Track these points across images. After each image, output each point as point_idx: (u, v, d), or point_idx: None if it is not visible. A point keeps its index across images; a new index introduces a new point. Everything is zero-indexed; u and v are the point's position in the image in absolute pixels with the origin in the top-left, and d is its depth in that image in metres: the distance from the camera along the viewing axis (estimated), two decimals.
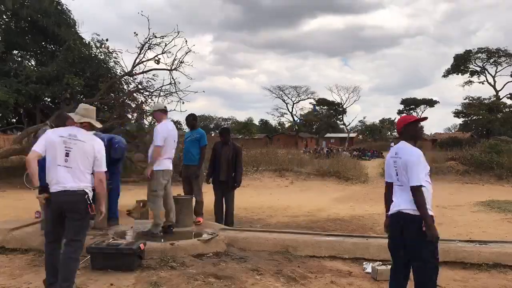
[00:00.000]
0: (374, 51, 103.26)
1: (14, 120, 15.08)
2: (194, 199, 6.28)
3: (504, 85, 50.02)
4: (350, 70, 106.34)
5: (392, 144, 33.43)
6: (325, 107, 65.38)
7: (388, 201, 3.38)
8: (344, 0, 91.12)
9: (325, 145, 47.23)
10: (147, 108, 13.98)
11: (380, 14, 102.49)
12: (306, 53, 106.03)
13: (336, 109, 64.54)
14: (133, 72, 13.11)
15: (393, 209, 3.28)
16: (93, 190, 3.58)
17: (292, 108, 64.63)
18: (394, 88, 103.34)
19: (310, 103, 65.72)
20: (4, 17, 14.43)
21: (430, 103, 65.98)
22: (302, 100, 64.87)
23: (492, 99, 45.48)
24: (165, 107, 5.79)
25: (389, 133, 70.14)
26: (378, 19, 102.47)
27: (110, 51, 14.20)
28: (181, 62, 12.25)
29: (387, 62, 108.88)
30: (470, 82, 51.08)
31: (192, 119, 6.67)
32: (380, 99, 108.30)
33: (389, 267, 4.37)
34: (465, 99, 47.20)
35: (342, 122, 66.20)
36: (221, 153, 6.62)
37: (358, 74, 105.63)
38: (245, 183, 15.23)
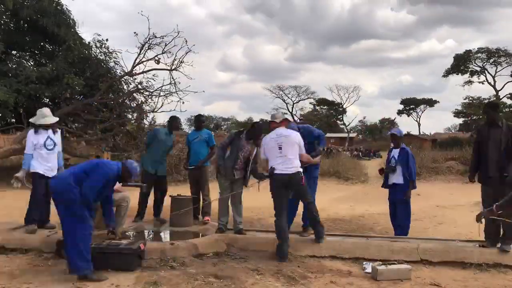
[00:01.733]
0: (395, 65, 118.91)
1: (14, 120, 15.07)
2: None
3: (504, 85, 50.10)
4: (371, 78, 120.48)
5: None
6: (325, 107, 65.42)
7: None
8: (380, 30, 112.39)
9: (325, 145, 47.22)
10: (147, 108, 13.96)
11: (406, 41, 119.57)
12: (341, 66, 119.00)
13: (336, 109, 64.58)
14: (133, 72, 13.09)
15: None
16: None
17: (292, 108, 64.71)
18: (407, 91, 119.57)
19: (310, 103, 65.84)
20: (4, 17, 14.42)
21: (430, 102, 66.02)
22: (302, 100, 64.94)
23: (492, 99, 45.52)
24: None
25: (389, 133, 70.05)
26: (404, 44, 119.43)
27: (110, 51, 14.20)
28: (181, 62, 12.22)
29: (401, 71, 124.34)
30: (470, 82, 51.16)
31: (198, 120, 6.74)
32: (390, 103, 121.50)
33: (389, 267, 4.38)
34: (465, 99, 47.33)
35: (342, 122, 66.25)
36: (490, 137, 4.93)
37: (376, 81, 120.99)
38: None
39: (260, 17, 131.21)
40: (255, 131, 5.54)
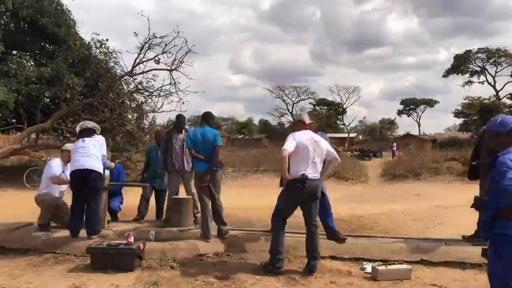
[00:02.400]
0: (403, 70, 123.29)
1: (14, 120, 15.08)
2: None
3: (504, 85, 50.14)
4: (379, 80, 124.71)
5: (394, 144, 33.40)
6: (325, 107, 65.40)
7: None
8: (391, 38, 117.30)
9: None
10: (147, 108, 13.97)
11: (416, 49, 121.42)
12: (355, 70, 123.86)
13: (336, 109, 64.55)
14: (133, 72, 13.09)
15: None
16: None
17: (292, 108, 64.69)
18: (411, 93, 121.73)
19: (310, 103, 65.82)
20: (4, 17, 14.43)
21: (430, 103, 66.01)
22: (302, 100, 64.95)
23: (492, 99, 45.50)
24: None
25: (389, 133, 70.11)
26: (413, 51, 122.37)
27: (110, 51, 14.21)
28: (181, 62, 12.22)
29: (408, 75, 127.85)
30: (470, 82, 51.17)
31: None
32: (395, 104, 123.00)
33: (389, 267, 4.38)
34: (465, 99, 47.28)
35: (342, 122, 66.22)
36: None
37: (385, 84, 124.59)
38: (245, 183, 15.28)
39: (276, 27, 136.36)
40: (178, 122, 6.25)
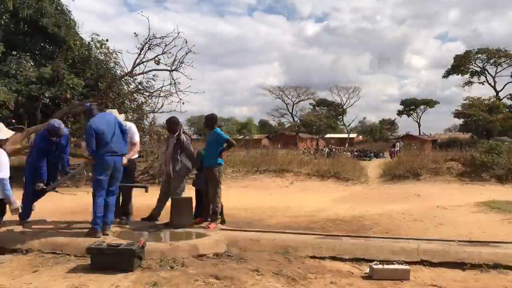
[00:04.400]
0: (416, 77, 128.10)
1: (14, 121, 15.09)
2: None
3: (504, 85, 50.19)
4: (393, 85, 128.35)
5: (397, 144, 33.36)
6: (325, 107, 65.44)
7: None
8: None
9: (325, 145, 47.38)
10: (147, 108, 14.01)
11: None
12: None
13: (336, 110, 64.58)
14: (133, 72, 13.11)
15: None
16: None
17: (292, 108, 64.71)
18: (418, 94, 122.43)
19: (310, 103, 65.87)
20: (4, 17, 14.45)
21: (430, 103, 66.02)
22: (302, 100, 64.96)
23: (492, 100, 45.52)
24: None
25: (389, 133, 70.12)
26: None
27: (110, 51, 14.23)
28: (181, 63, 12.24)
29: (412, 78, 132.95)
30: (470, 82, 51.21)
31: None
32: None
33: (386, 266, 4.37)
34: (465, 100, 47.32)
35: (342, 123, 66.24)
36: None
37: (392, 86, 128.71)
38: (245, 183, 15.27)
39: (316, 48, 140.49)
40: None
